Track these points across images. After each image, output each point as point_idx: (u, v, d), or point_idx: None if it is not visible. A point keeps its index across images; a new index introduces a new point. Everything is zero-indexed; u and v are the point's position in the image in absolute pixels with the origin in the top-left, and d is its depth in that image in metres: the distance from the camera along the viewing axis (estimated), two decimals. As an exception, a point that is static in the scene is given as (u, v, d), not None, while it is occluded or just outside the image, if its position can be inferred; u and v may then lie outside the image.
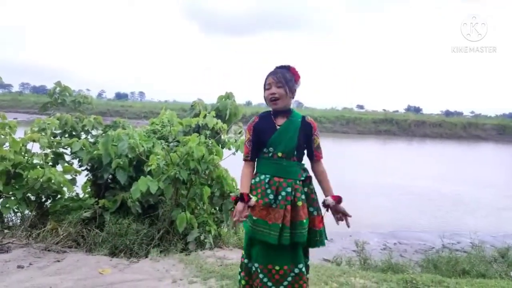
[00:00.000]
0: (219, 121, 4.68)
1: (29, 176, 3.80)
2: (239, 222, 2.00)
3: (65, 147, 4.28)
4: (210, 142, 3.99)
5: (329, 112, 49.99)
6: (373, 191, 10.97)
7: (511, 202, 10.74)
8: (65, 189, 4.10)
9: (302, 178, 2.10)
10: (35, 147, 4.04)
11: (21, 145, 3.91)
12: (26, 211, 3.94)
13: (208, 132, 4.45)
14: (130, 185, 3.92)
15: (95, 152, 4.12)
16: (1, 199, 3.76)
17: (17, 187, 3.86)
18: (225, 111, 4.99)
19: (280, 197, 2.02)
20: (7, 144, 3.86)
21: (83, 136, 4.65)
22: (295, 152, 2.08)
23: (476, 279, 3.64)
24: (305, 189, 2.10)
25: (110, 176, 4.18)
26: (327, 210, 2.14)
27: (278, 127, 2.11)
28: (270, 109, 2.18)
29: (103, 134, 4.51)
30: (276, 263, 2.02)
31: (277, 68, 2.16)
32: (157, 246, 3.75)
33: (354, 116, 43.60)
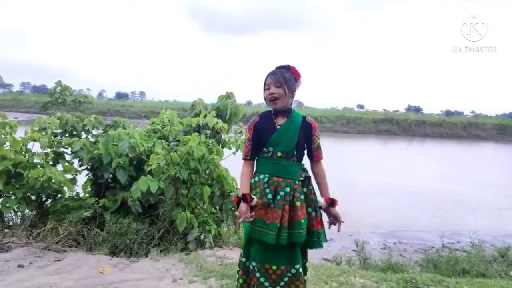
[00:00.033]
0: (220, 120, 4.68)
1: (29, 175, 3.81)
2: (244, 222, 2.01)
3: (66, 146, 4.29)
4: (211, 142, 4.00)
5: (330, 111, 49.97)
6: (373, 191, 10.97)
7: (511, 202, 10.75)
8: (65, 188, 4.11)
9: (301, 178, 2.10)
10: (35, 147, 4.04)
11: (21, 144, 3.91)
12: (27, 211, 3.95)
13: (208, 132, 4.46)
14: (130, 184, 3.93)
15: (95, 151, 4.13)
16: (2, 199, 3.77)
17: (17, 186, 3.87)
18: (225, 110, 4.99)
19: (278, 197, 2.02)
20: (7, 143, 3.86)
21: (84, 135, 4.66)
22: (295, 152, 2.08)
23: (476, 279, 3.64)
24: (304, 189, 2.10)
25: (111, 176, 4.18)
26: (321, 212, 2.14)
27: (278, 126, 2.11)
28: (271, 109, 2.18)
29: (104, 134, 4.52)
30: (273, 262, 2.02)
31: (277, 68, 2.17)
32: (157, 245, 3.76)
33: (354, 115, 43.60)
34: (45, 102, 5.31)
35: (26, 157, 3.99)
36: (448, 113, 71.03)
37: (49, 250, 3.49)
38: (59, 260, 3.26)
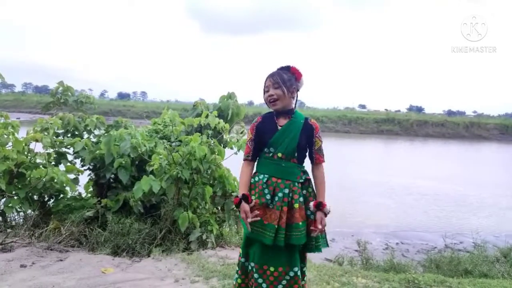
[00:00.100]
0: (221, 121, 4.68)
1: (31, 175, 3.82)
2: (247, 222, 2.00)
3: (68, 146, 4.30)
4: (212, 142, 4.00)
5: (331, 111, 49.99)
6: (375, 191, 10.95)
7: (513, 202, 10.72)
8: (67, 188, 4.12)
9: (301, 181, 2.08)
10: (37, 147, 4.05)
11: (24, 144, 3.92)
12: (29, 211, 3.96)
13: (210, 132, 4.46)
14: (132, 184, 3.93)
15: (97, 151, 4.13)
16: (4, 199, 3.78)
17: (20, 186, 3.88)
18: (227, 111, 5.00)
19: (276, 198, 2.01)
20: (10, 143, 3.87)
21: (86, 135, 4.67)
22: (296, 154, 2.07)
23: (479, 279, 3.63)
24: (304, 192, 2.08)
25: (113, 176, 4.19)
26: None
27: (279, 127, 2.10)
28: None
29: (106, 134, 4.52)
30: (271, 264, 2.00)
31: (278, 69, 2.16)
32: (159, 245, 3.76)
33: (356, 116, 43.56)
34: (47, 103, 5.33)
35: (29, 157, 4.00)
36: (450, 113, 70.93)
37: (51, 250, 3.49)
38: (61, 260, 3.27)
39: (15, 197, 3.75)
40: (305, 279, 2.14)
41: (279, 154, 2.06)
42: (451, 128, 41.08)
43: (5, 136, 3.84)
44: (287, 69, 2.15)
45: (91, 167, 4.31)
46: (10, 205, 3.73)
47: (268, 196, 2.02)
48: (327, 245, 2.13)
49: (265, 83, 2.14)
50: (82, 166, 4.31)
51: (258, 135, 2.15)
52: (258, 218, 1.99)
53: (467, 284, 3.32)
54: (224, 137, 4.70)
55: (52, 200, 4.15)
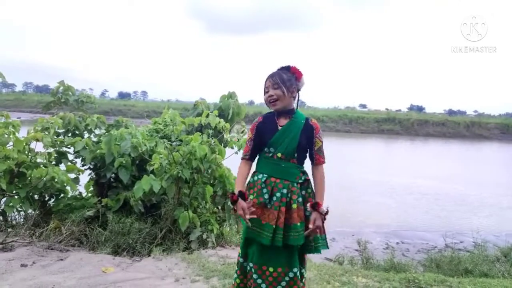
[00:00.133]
0: (222, 120, 4.68)
1: (32, 175, 3.82)
2: (244, 218, 1.99)
3: (68, 146, 4.30)
4: (213, 141, 4.00)
5: (332, 111, 49.97)
6: (375, 190, 10.95)
7: (514, 202, 10.71)
8: (68, 188, 4.12)
9: (301, 181, 2.06)
10: (38, 146, 4.06)
11: (24, 144, 3.92)
12: (30, 210, 3.96)
13: (210, 131, 4.46)
14: (132, 184, 3.94)
15: (98, 151, 4.13)
16: (5, 198, 3.79)
17: (20, 186, 3.88)
18: (227, 110, 5.00)
19: (274, 198, 2.00)
20: (10, 143, 3.88)
21: (86, 135, 4.67)
22: (295, 154, 2.06)
23: (479, 279, 3.63)
24: (303, 192, 2.07)
25: (113, 175, 4.19)
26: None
27: (279, 128, 2.10)
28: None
29: (106, 133, 4.52)
30: (270, 264, 2.00)
31: (278, 69, 2.16)
32: (160, 245, 3.76)
33: (356, 115, 43.55)
34: (48, 102, 5.33)
35: (29, 156, 4.00)
36: (450, 112, 70.90)
37: (52, 249, 3.50)
38: (62, 260, 3.28)
39: (16, 197, 3.75)
40: (303, 281, 2.12)
41: (279, 154, 2.05)
42: (451, 128, 41.06)
43: (6, 136, 3.85)
44: (287, 69, 2.15)
45: (91, 167, 4.31)
46: (10, 204, 3.73)
47: (266, 196, 2.02)
48: (327, 247, 2.10)
49: (265, 84, 2.14)
50: (83, 165, 4.31)
51: (258, 135, 2.15)
52: (255, 216, 1.99)
53: (468, 283, 3.32)
54: (225, 136, 4.70)
55: (52, 200, 4.15)
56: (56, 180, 3.88)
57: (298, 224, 1.98)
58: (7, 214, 3.94)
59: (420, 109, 73.31)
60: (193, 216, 3.81)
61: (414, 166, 17.12)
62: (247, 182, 2.18)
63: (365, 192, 10.53)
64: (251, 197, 2.08)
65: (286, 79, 2.08)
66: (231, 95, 5.15)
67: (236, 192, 2.02)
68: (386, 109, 56.74)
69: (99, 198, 4.07)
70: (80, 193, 4.33)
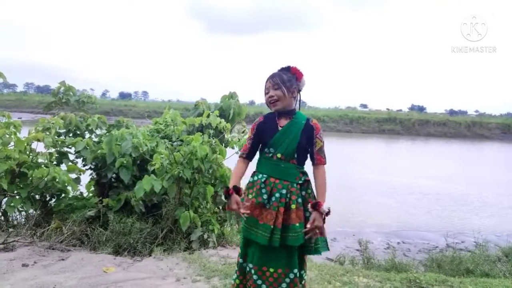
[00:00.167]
0: (223, 120, 4.69)
1: (33, 175, 3.83)
2: (239, 212, 2.03)
3: (69, 146, 4.30)
4: (214, 141, 4.00)
5: (333, 111, 49.97)
6: (376, 190, 10.94)
7: (516, 202, 10.70)
8: (69, 188, 4.13)
9: (300, 182, 2.05)
10: (39, 147, 4.06)
11: (25, 144, 3.93)
12: (31, 210, 3.97)
13: (211, 132, 4.46)
14: (133, 184, 3.94)
15: (99, 151, 4.14)
16: (6, 198, 3.79)
17: (21, 186, 3.89)
18: (228, 110, 5.00)
19: (273, 198, 2.00)
20: (12, 143, 3.88)
21: (87, 135, 4.68)
22: (295, 155, 2.05)
23: (480, 278, 3.63)
24: (303, 193, 2.06)
25: (114, 175, 4.20)
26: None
27: (280, 128, 2.10)
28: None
29: (107, 134, 4.53)
30: (270, 265, 1.99)
31: (278, 70, 2.16)
32: (161, 244, 3.77)
33: (357, 115, 43.54)
34: (49, 102, 5.34)
35: (30, 157, 4.01)
36: (452, 112, 70.89)
37: (53, 249, 3.50)
38: (63, 259, 3.28)
39: (17, 197, 3.76)
40: (303, 282, 2.11)
41: (279, 155, 2.05)
42: (453, 128, 41.02)
43: (7, 136, 3.86)
44: (288, 69, 2.15)
45: (92, 167, 4.32)
46: (12, 204, 3.74)
47: (265, 196, 2.01)
48: (327, 249, 2.08)
49: (265, 85, 2.14)
50: (84, 165, 4.32)
51: (258, 135, 2.16)
52: (248, 211, 2.00)
53: (469, 283, 3.32)
54: (226, 136, 4.70)
55: (53, 200, 4.16)
56: (57, 180, 3.88)
57: (297, 224, 1.97)
58: (9, 214, 3.94)
59: (421, 109, 73.27)
60: (194, 216, 3.81)
61: (415, 166, 17.10)
62: (247, 182, 2.18)
63: (366, 192, 10.52)
64: (250, 196, 2.08)
65: (287, 80, 2.09)
66: (232, 95, 5.16)
67: (231, 186, 2.05)
68: (387, 109, 56.78)
69: (100, 198, 4.08)
70: (81, 193, 4.34)
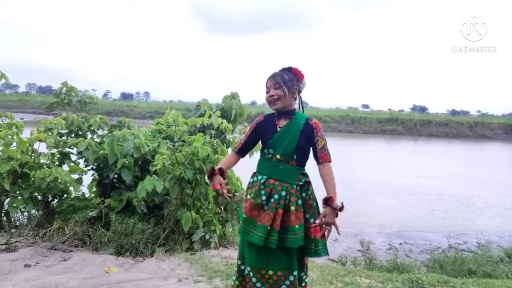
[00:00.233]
0: (224, 121, 4.69)
1: (36, 175, 3.84)
2: (221, 192, 2.06)
3: (71, 147, 4.31)
4: (215, 142, 4.00)
5: (334, 111, 49.93)
6: (378, 191, 10.93)
7: (518, 202, 10.66)
8: (71, 188, 4.14)
9: (301, 183, 2.04)
10: (41, 147, 4.07)
11: (28, 145, 3.94)
12: (33, 211, 3.98)
13: (213, 132, 4.46)
14: (135, 184, 3.94)
15: (101, 152, 4.15)
16: (9, 199, 3.80)
17: (24, 186, 3.90)
18: (230, 111, 5.00)
19: (272, 200, 1.99)
20: (14, 144, 3.89)
21: (89, 136, 4.69)
22: (294, 156, 2.04)
23: (483, 279, 3.62)
24: (303, 195, 2.04)
25: (116, 176, 4.20)
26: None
27: (279, 129, 2.09)
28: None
29: (109, 134, 4.54)
30: (269, 267, 1.98)
31: (279, 70, 2.16)
32: (163, 245, 3.77)
33: (359, 115, 43.46)
34: (51, 103, 5.36)
35: (33, 157, 4.02)
36: (454, 112, 70.75)
37: (55, 249, 3.51)
38: (65, 260, 3.28)
39: (19, 197, 3.77)
40: (302, 285, 2.10)
41: (278, 156, 2.05)
42: (455, 128, 40.91)
43: (9, 137, 3.86)
44: (289, 70, 2.15)
45: (94, 167, 4.32)
46: (14, 205, 3.75)
47: (263, 197, 2.01)
48: (327, 253, 2.06)
49: (266, 84, 2.14)
50: (86, 166, 4.32)
51: (256, 133, 2.18)
52: (226, 191, 2.06)
53: (471, 284, 3.31)
54: (227, 137, 4.70)
55: (56, 200, 4.17)
56: (59, 180, 3.89)
57: (297, 226, 1.96)
58: (11, 214, 3.96)
59: (423, 109, 73.11)
60: (196, 217, 3.81)
61: (417, 166, 17.06)
62: (247, 183, 2.19)
63: (367, 193, 10.50)
64: (248, 197, 2.08)
65: (288, 80, 2.09)
66: (234, 96, 5.16)
67: (217, 168, 2.09)
68: (389, 109, 56.66)
69: (102, 198, 4.08)
70: (83, 193, 4.35)
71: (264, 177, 2.06)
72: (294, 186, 2.02)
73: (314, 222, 2.02)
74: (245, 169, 2.24)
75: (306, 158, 2.12)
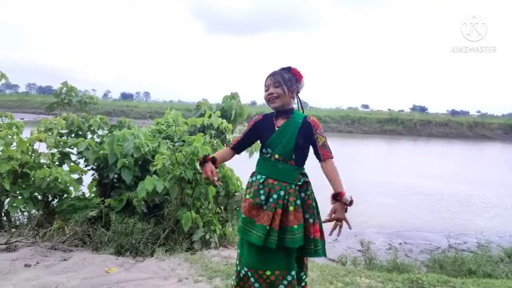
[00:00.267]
0: (224, 121, 4.69)
1: (36, 175, 3.84)
2: (212, 179, 2.10)
3: (71, 147, 4.31)
4: (215, 142, 4.01)
5: (334, 111, 49.94)
6: (378, 191, 10.93)
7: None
8: (71, 188, 4.14)
9: (299, 183, 2.03)
10: (41, 147, 4.07)
11: (28, 145, 3.94)
12: (33, 210, 3.98)
13: (213, 132, 4.46)
14: (135, 184, 3.94)
15: (101, 151, 4.15)
16: (9, 199, 3.81)
17: (24, 186, 3.90)
18: (230, 111, 5.01)
19: (271, 199, 1.99)
20: (14, 144, 3.89)
21: (89, 136, 4.68)
22: (293, 155, 2.03)
23: (483, 279, 3.62)
24: (302, 195, 2.03)
25: (116, 176, 4.20)
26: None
27: (276, 128, 2.09)
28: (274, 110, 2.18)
29: (109, 134, 4.54)
30: (267, 268, 1.97)
31: (279, 69, 2.17)
32: (163, 245, 3.77)
33: (359, 115, 43.48)
34: (51, 103, 5.36)
35: (33, 157, 4.02)
36: (453, 112, 70.78)
37: (55, 249, 3.51)
38: (65, 260, 3.29)
39: (20, 197, 3.77)
40: (302, 285, 2.10)
41: (276, 156, 2.04)
42: (454, 128, 40.92)
43: (10, 137, 3.87)
44: (288, 70, 2.15)
45: (94, 167, 4.32)
46: (14, 205, 3.75)
47: (262, 197, 2.00)
48: (325, 255, 2.06)
49: (265, 82, 2.14)
50: (86, 166, 4.33)
51: (253, 132, 2.19)
52: (215, 177, 2.10)
53: (471, 284, 3.31)
54: (227, 137, 4.70)
55: (56, 200, 4.17)
56: (59, 180, 3.89)
57: (295, 226, 1.95)
58: (11, 214, 3.96)
59: (422, 109, 73.12)
60: (196, 217, 3.81)
61: (417, 166, 17.07)
62: (246, 182, 2.19)
63: (367, 193, 10.49)
64: (247, 197, 2.08)
65: (288, 79, 2.09)
66: (234, 96, 5.17)
67: (210, 157, 2.14)
68: (389, 109, 56.69)
69: (102, 198, 4.09)
70: (83, 193, 4.35)
71: (263, 176, 2.06)
72: (293, 186, 2.01)
73: (313, 222, 2.02)
74: (245, 169, 2.24)
75: (305, 158, 2.11)
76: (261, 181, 2.05)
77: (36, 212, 3.98)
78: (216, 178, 2.10)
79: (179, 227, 3.85)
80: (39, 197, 4.03)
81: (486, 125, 41.72)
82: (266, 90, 2.13)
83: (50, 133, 4.19)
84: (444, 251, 5.79)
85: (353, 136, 35.20)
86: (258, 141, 2.22)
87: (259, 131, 2.16)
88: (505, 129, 40.79)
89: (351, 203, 1.94)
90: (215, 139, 4.12)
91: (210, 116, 4.67)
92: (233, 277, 2.17)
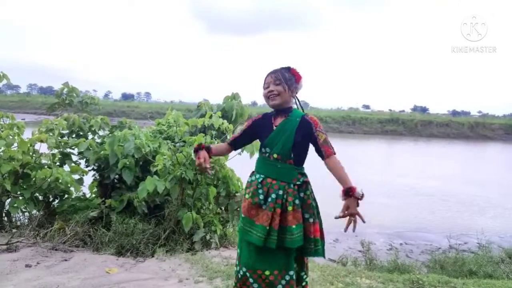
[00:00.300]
0: (225, 121, 4.69)
1: (37, 176, 3.85)
2: (204, 167, 2.08)
3: (72, 147, 4.32)
4: (216, 142, 4.01)
5: (335, 112, 49.92)
6: (379, 191, 10.91)
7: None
8: (72, 189, 4.14)
9: (299, 183, 2.02)
10: (42, 148, 4.08)
11: (29, 145, 3.95)
12: (34, 211, 3.99)
13: (214, 133, 4.47)
14: (136, 185, 3.95)
15: (101, 152, 4.15)
16: (9, 199, 3.81)
17: (25, 187, 3.91)
18: (231, 111, 5.01)
19: (270, 199, 1.98)
20: (15, 144, 3.90)
21: (90, 136, 4.70)
22: (292, 155, 2.02)
23: (483, 280, 3.61)
24: (301, 194, 2.02)
25: (117, 176, 4.20)
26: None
27: (274, 127, 2.09)
28: (273, 109, 2.18)
29: (110, 135, 4.55)
30: (266, 268, 1.97)
31: (279, 68, 2.17)
32: (163, 245, 3.77)
33: (360, 116, 43.47)
34: (52, 103, 5.38)
35: (34, 157, 4.03)
36: (454, 113, 70.68)
37: (56, 250, 3.51)
38: (66, 260, 3.29)
39: (20, 198, 3.78)
40: (303, 284, 2.10)
41: (275, 155, 2.03)
42: (455, 128, 40.90)
43: (11, 137, 3.88)
44: (288, 69, 2.15)
45: (95, 168, 4.33)
46: (15, 205, 3.76)
47: (261, 197, 2.00)
48: (323, 256, 2.05)
49: (265, 80, 2.14)
50: (87, 166, 4.33)
51: (252, 130, 2.20)
52: (207, 165, 2.08)
53: (472, 284, 3.31)
54: (228, 137, 4.70)
55: (56, 201, 4.17)
56: (60, 181, 3.90)
57: (294, 226, 1.94)
58: (12, 214, 3.96)
59: (423, 109, 73.07)
60: (197, 217, 3.81)
61: (418, 167, 17.06)
62: (245, 182, 2.19)
63: (368, 193, 10.28)
64: (246, 196, 2.08)
65: (288, 78, 2.09)
66: (235, 96, 5.17)
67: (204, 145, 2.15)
68: (390, 109, 56.73)
69: (103, 199, 4.09)
70: (84, 194, 4.36)
71: (262, 176, 2.06)
72: (292, 186, 2.00)
73: (313, 222, 2.01)
74: (246, 169, 2.24)
75: (305, 157, 2.10)
76: (259, 180, 2.04)
77: (37, 213, 3.99)
78: (208, 166, 2.08)
79: (179, 227, 3.85)
80: (40, 197, 4.04)
81: (487, 126, 41.68)
82: (266, 88, 2.12)
83: (51, 134, 4.20)
84: (445, 252, 5.78)
85: (354, 137, 35.18)
86: (258, 141, 2.21)
87: (258, 130, 2.16)
88: (506, 130, 40.75)
89: (362, 196, 1.90)
90: (216, 139, 4.12)
91: (211, 117, 4.67)
92: (234, 276, 2.17)
